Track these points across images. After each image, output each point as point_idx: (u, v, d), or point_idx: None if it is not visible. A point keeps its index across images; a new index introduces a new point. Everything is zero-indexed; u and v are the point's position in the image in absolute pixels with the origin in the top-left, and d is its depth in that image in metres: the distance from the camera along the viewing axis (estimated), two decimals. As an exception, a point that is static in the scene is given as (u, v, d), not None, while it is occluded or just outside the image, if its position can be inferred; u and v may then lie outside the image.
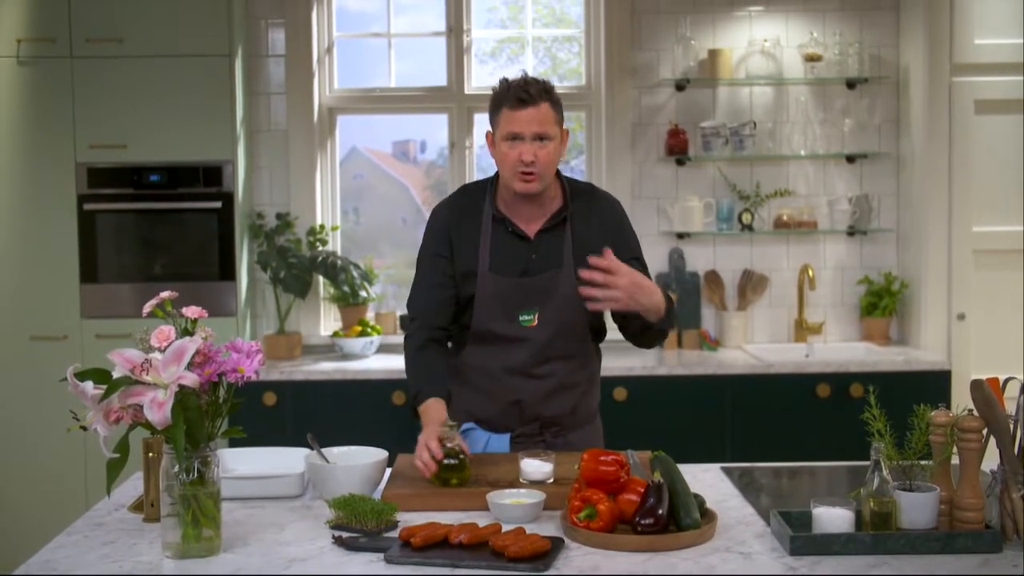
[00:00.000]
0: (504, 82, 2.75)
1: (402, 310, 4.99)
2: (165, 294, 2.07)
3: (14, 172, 4.45)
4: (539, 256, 2.77)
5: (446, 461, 2.38)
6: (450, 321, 2.83)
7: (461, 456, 2.39)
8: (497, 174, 2.83)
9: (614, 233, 2.81)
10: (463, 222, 2.81)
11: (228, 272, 4.53)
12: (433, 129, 5.14)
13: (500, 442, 2.80)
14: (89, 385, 1.95)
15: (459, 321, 2.84)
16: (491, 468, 2.53)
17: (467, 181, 4.92)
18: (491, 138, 2.78)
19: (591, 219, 2.81)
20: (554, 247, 2.77)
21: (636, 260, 2.79)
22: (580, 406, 2.85)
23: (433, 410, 2.61)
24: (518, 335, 2.75)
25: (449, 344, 2.89)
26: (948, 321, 4.60)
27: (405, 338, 2.86)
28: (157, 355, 1.94)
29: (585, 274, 2.51)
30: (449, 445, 2.39)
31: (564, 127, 2.76)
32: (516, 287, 2.75)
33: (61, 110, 4.44)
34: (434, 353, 2.79)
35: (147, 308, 2.06)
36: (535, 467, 2.41)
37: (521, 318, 2.75)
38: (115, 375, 1.94)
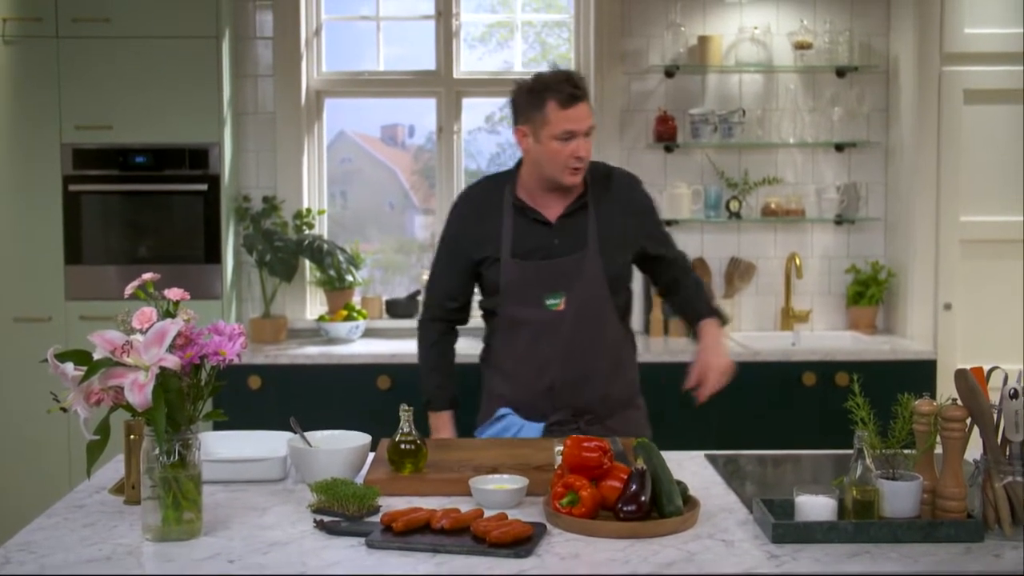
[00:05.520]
0: (541, 78, 2.75)
1: (388, 295, 5.01)
2: (147, 276, 2.05)
3: (-2, 152, 4.43)
4: (562, 240, 2.80)
5: (402, 446, 2.37)
6: (463, 306, 2.96)
7: (417, 442, 2.39)
8: (518, 165, 2.88)
9: (639, 214, 2.91)
10: (482, 212, 2.86)
11: (214, 255, 4.51)
12: (421, 113, 5.12)
13: (534, 430, 2.80)
14: (69, 366, 1.94)
15: (487, 307, 2.90)
16: (475, 453, 2.53)
17: (455, 166, 4.95)
18: (527, 134, 2.77)
19: (613, 200, 2.86)
20: (577, 230, 2.80)
21: (663, 234, 3.00)
22: (613, 391, 2.86)
23: (444, 429, 2.91)
24: (545, 320, 2.77)
25: (459, 327, 3.03)
26: (934, 311, 4.60)
27: (419, 322, 3.03)
28: (138, 337, 1.93)
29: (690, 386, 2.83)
30: (406, 430, 2.39)
31: None
32: (540, 270, 2.78)
33: (47, 90, 4.40)
34: (444, 348, 2.99)
35: (128, 289, 2.04)
36: None
37: (547, 302, 2.77)
38: (96, 357, 1.93)
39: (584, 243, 2.79)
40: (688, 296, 3.02)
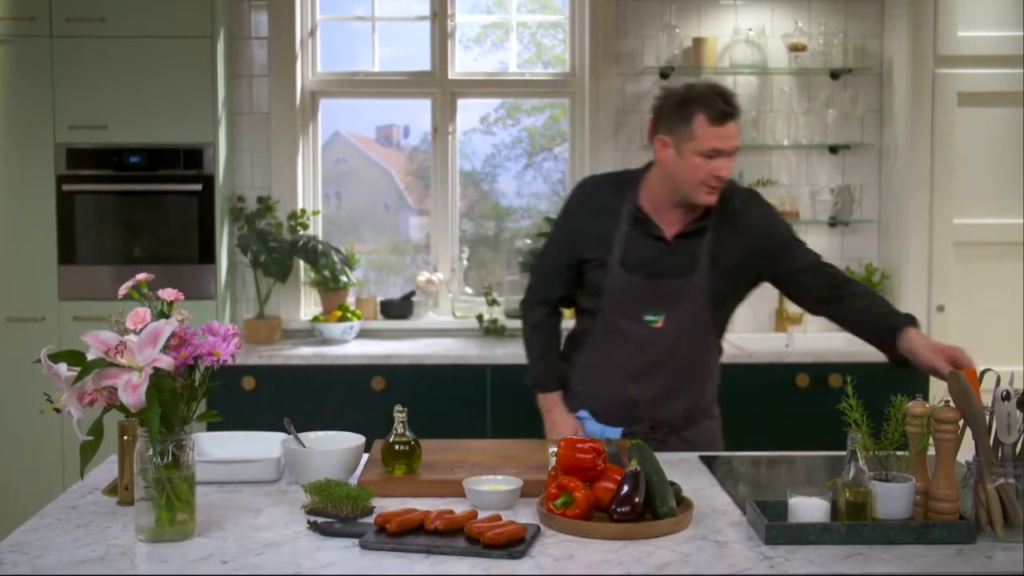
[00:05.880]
0: (693, 89, 2.66)
1: (382, 296, 5.01)
2: (141, 276, 2.05)
3: (-8, 152, 4.42)
4: (674, 260, 2.74)
5: (396, 447, 2.36)
6: (566, 296, 2.91)
7: (411, 443, 2.38)
8: (646, 169, 2.81)
9: (757, 235, 2.78)
10: (599, 212, 2.80)
11: (208, 255, 4.51)
12: (416, 114, 5.12)
13: (613, 435, 2.78)
14: (63, 367, 1.94)
15: (585, 306, 2.86)
16: (470, 454, 2.53)
17: (450, 167, 4.95)
18: (669, 145, 2.67)
19: (731, 222, 2.77)
20: (691, 252, 2.74)
21: (793, 251, 2.85)
22: (697, 405, 2.86)
23: (554, 409, 2.86)
24: (641, 335, 2.74)
25: (564, 312, 3.01)
26: (928, 313, 4.61)
27: (522, 305, 3.00)
28: (132, 337, 1.92)
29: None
30: (400, 431, 2.38)
31: None
32: (644, 287, 2.73)
33: (41, 90, 4.40)
34: (548, 330, 2.95)
35: (122, 290, 2.04)
36: None
37: (646, 318, 2.73)
38: (89, 357, 1.92)
39: (694, 266, 2.72)
40: (869, 310, 2.79)
